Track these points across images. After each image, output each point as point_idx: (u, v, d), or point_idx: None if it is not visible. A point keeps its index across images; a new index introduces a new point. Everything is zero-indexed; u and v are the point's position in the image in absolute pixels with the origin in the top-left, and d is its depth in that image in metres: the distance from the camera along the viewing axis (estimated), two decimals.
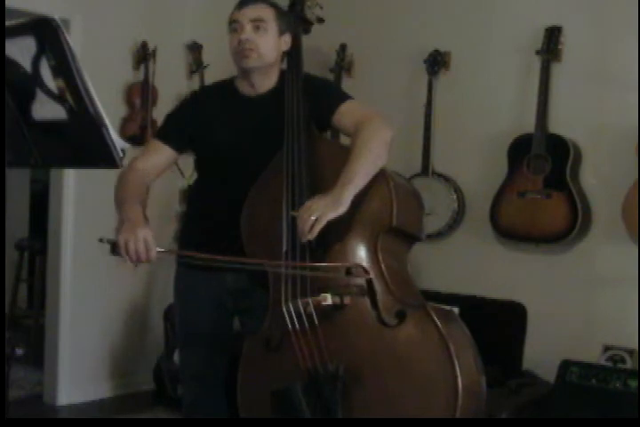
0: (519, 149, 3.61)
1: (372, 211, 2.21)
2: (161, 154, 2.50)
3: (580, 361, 3.29)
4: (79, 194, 4.05)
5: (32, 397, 4.19)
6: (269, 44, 2.39)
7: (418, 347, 2.10)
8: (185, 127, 2.51)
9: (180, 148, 2.52)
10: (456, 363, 2.01)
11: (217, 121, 2.49)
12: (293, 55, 2.50)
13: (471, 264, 3.91)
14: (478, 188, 3.87)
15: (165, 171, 2.57)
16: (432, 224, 3.79)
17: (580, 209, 3.47)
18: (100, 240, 2.24)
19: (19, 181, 5.99)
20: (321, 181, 2.24)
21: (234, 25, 2.39)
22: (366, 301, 2.15)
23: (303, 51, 2.55)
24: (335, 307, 2.14)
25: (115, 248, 2.22)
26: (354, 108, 2.40)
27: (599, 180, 3.54)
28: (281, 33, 2.43)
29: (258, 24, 2.37)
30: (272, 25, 2.39)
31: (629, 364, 3.34)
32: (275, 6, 2.45)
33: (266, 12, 2.40)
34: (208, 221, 2.51)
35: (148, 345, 4.36)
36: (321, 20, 2.74)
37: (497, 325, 3.62)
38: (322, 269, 2.19)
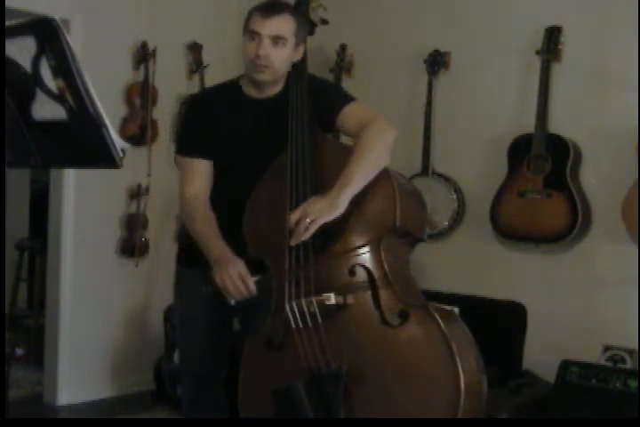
0: (519, 149, 3.61)
1: (375, 211, 2.22)
2: (200, 171, 2.48)
3: (580, 361, 3.29)
4: (79, 194, 4.05)
5: (32, 397, 4.19)
6: (285, 58, 2.38)
7: (420, 347, 2.10)
8: (201, 132, 2.49)
9: (209, 154, 2.49)
10: (458, 363, 2.01)
11: (222, 122, 2.48)
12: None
13: (471, 264, 3.91)
14: (478, 188, 3.87)
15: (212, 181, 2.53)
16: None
17: (580, 209, 3.47)
18: (205, 289, 2.36)
19: (19, 181, 5.99)
20: (325, 182, 2.24)
21: (252, 35, 2.35)
22: (369, 301, 2.15)
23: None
24: (338, 307, 2.15)
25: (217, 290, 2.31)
26: (358, 109, 2.40)
27: (599, 180, 3.54)
28: (297, 45, 2.41)
29: (277, 40, 2.34)
30: (290, 39, 2.36)
31: (629, 364, 3.34)
32: (295, 16, 2.41)
33: (287, 27, 2.35)
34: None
35: (147, 345, 4.36)
36: (325, 22, 2.75)
37: (497, 325, 3.62)
38: (325, 269, 2.19)
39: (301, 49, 2.45)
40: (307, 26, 2.51)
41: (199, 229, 2.40)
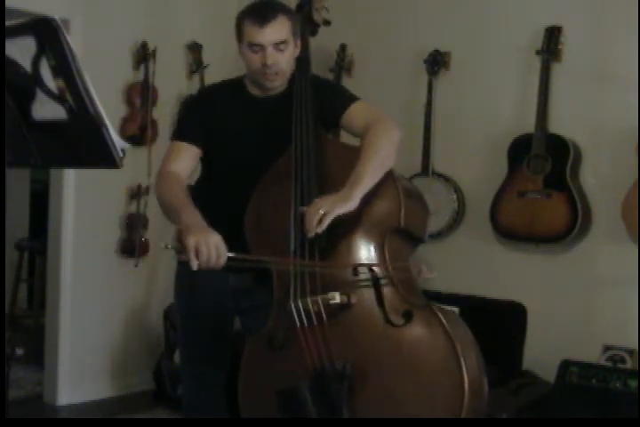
0: (519, 149, 3.61)
1: (380, 211, 2.23)
2: (185, 154, 2.45)
3: (580, 361, 3.29)
4: (79, 194, 4.05)
5: (32, 397, 4.20)
6: (290, 59, 2.38)
7: (424, 347, 2.10)
8: (200, 124, 2.48)
9: (200, 143, 2.47)
10: (462, 363, 2.01)
11: (226, 120, 2.48)
12: (302, 57, 2.49)
13: (471, 264, 3.91)
14: (478, 188, 3.87)
15: (194, 170, 2.51)
16: (432, 224, 3.78)
17: (580, 209, 3.47)
18: (166, 247, 2.14)
19: (19, 181, 5.99)
20: (328, 181, 2.24)
21: (254, 47, 2.32)
22: (373, 300, 2.15)
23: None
24: (342, 306, 2.15)
25: (181, 250, 2.11)
26: (363, 108, 2.41)
27: (599, 180, 3.54)
28: (296, 42, 2.40)
29: (280, 46, 2.32)
30: (290, 40, 2.36)
31: (629, 364, 3.34)
32: (290, 14, 2.40)
33: (286, 29, 2.33)
34: (212, 220, 2.51)
35: (148, 345, 4.36)
36: (327, 23, 2.76)
37: (497, 325, 3.62)
38: (330, 268, 2.19)
39: (299, 43, 2.44)
40: (299, 18, 2.50)
41: (178, 202, 2.29)
